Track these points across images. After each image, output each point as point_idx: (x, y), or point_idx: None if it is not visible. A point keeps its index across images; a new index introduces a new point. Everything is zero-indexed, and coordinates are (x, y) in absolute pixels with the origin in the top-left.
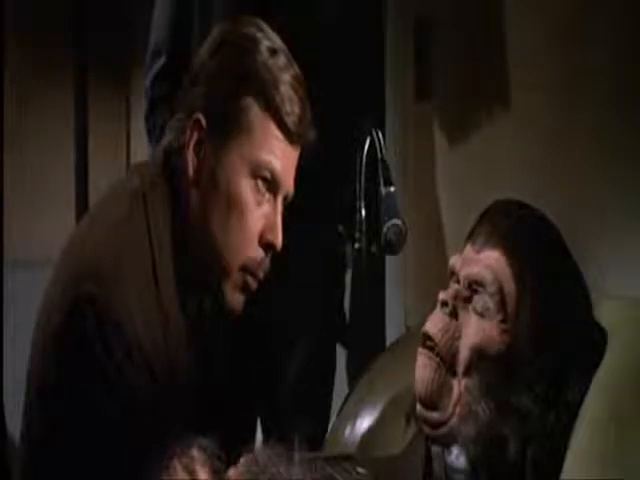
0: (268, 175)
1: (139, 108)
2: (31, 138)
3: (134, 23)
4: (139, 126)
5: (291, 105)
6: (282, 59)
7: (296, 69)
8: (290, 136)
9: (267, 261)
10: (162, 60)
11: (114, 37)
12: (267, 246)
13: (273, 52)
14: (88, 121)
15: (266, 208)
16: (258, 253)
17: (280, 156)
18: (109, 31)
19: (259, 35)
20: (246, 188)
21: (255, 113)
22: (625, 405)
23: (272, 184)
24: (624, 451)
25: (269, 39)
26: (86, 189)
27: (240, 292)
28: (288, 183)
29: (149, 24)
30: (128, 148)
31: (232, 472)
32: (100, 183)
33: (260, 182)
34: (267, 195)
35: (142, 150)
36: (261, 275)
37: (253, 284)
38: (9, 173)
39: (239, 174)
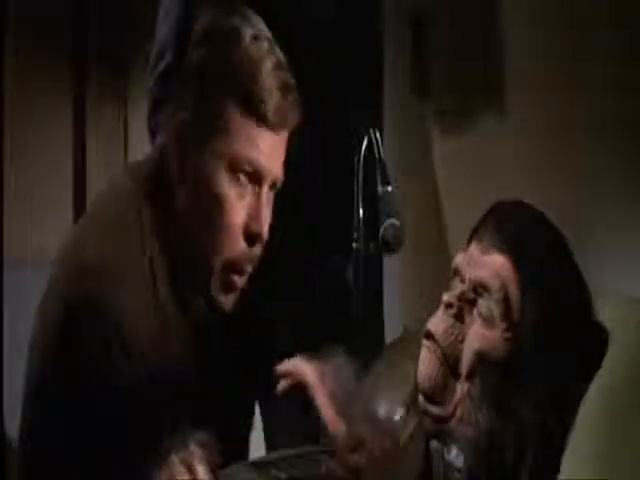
0: (249, 168)
1: (138, 109)
2: (30, 139)
3: (134, 23)
4: (137, 127)
5: (270, 96)
6: (264, 45)
7: (278, 54)
8: (272, 125)
9: (255, 254)
10: (167, 59)
11: (114, 37)
12: (252, 237)
13: (255, 38)
14: (86, 122)
15: (249, 199)
16: (242, 247)
17: (262, 147)
18: (109, 31)
19: (241, 25)
20: (225, 184)
21: (233, 110)
22: (624, 405)
23: (254, 175)
24: (623, 451)
25: (252, 26)
26: (84, 189)
27: (226, 292)
28: (274, 170)
29: (149, 24)
30: (126, 148)
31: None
32: (98, 183)
33: (242, 176)
34: (249, 187)
35: (141, 150)
36: (249, 269)
37: (240, 282)
38: (8, 174)
39: (218, 171)
